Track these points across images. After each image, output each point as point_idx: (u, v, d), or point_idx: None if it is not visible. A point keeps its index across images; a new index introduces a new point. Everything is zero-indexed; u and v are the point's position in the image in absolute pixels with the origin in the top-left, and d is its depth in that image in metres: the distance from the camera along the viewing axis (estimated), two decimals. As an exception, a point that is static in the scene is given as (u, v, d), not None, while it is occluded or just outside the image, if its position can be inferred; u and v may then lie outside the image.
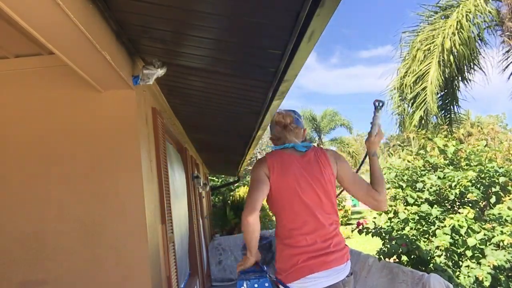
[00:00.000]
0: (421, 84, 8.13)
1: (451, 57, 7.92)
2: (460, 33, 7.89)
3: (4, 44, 2.18)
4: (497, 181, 5.04)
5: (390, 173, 6.07)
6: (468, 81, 8.51)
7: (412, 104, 8.39)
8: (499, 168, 5.12)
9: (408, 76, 8.60)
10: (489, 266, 4.35)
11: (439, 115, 8.29)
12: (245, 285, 1.76)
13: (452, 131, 8.17)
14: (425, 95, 7.98)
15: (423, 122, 8.25)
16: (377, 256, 4.54)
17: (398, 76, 9.13)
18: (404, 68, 8.91)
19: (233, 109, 3.65)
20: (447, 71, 8.12)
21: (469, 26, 7.91)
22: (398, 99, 9.19)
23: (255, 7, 1.68)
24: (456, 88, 8.56)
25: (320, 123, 28.25)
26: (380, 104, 1.93)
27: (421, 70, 8.18)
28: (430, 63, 8.08)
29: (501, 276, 4.52)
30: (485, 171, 5.07)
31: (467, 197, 4.94)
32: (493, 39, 8.57)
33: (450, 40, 7.82)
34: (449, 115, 8.62)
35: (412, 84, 8.40)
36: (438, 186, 5.16)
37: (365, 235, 5.23)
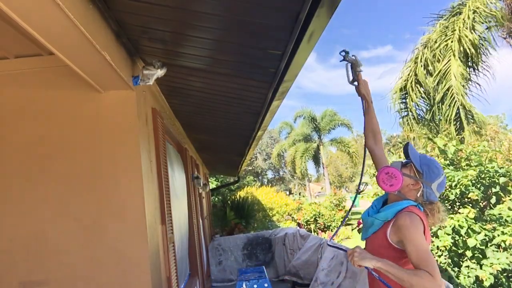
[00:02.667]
0: (445, 85, 8.12)
1: (473, 50, 7.88)
2: (474, 26, 7.89)
3: (4, 45, 2.19)
4: (497, 181, 5.04)
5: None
6: (472, 81, 8.54)
7: (441, 106, 8.36)
8: (500, 168, 5.12)
9: (410, 81, 8.62)
10: (491, 267, 4.35)
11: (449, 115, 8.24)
12: (244, 285, 1.74)
13: (460, 132, 8.16)
14: (452, 94, 7.97)
15: (458, 120, 8.19)
16: None
17: (401, 79, 9.18)
18: (410, 71, 8.95)
19: (233, 109, 3.65)
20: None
21: (479, 24, 7.93)
22: (400, 100, 9.23)
23: (255, 8, 1.68)
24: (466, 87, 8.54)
25: (320, 123, 28.25)
26: (345, 53, 1.95)
27: (440, 70, 8.17)
28: (449, 60, 8.07)
29: (501, 277, 4.52)
30: (485, 171, 5.07)
31: (468, 196, 4.94)
32: (494, 39, 8.59)
33: (469, 29, 7.78)
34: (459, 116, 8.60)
35: (435, 86, 8.38)
36: None
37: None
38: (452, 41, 8.13)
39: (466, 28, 7.94)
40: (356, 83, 2.00)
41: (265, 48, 2.12)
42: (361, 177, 2.03)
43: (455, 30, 8.18)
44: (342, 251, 1.62)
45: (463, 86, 7.99)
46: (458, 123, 8.21)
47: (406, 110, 9.28)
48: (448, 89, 8.06)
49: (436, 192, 1.68)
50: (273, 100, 2.84)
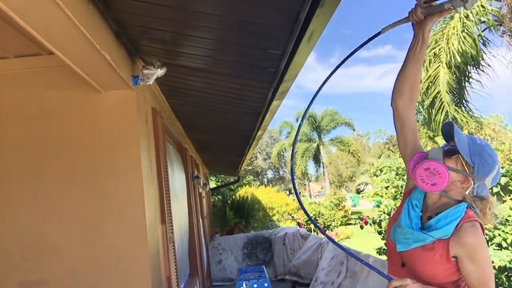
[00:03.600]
0: (434, 89, 8.25)
1: (458, 58, 8.01)
2: (465, 33, 7.98)
3: (4, 44, 2.18)
4: (498, 181, 5.04)
5: (390, 171, 6.09)
6: (472, 82, 8.63)
7: (431, 110, 8.51)
8: (500, 168, 5.12)
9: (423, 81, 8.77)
10: (493, 267, 4.37)
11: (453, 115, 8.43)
12: (244, 285, 1.70)
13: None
14: (441, 99, 8.11)
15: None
16: (377, 253, 4.56)
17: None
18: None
19: (233, 109, 3.65)
20: (456, 72, 8.25)
21: (471, 27, 8.00)
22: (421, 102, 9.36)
23: (255, 8, 1.68)
24: (464, 88, 8.67)
25: (320, 123, 28.26)
26: None
27: (430, 75, 8.31)
28: (438, 66, 8.20)
29: (502, 276, 4.53)
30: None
31: None
32: (493, 38, 8.63)
33: (458, 39, 7.90)
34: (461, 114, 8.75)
35: (425, 90, 8.54)
36: None
37: (372, 223, 5.39)
38: (440, 49, 8.24)
39: (457, 35, 8.01)
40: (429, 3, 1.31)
41: (265, 48, 2.11)
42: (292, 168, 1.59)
43: (443, 37, 8.28)
44: (383, 276, 1.31)
45: (448, 93, 8.15)
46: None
47: (429, 112, 9.36)
48: (437, 94, 8.23)
49: (488, 185, 1.35)
50: (273, 100, 2.84)
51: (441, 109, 8.22)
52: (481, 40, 8.42)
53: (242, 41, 2.15)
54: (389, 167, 6.43)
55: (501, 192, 5.06)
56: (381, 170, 6.62)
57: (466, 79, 8.61)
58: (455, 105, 8.82)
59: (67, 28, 1.47)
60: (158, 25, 2.00)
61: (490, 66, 8.46)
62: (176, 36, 2.16)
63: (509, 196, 5.03)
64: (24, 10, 1.33)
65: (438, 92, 8.25)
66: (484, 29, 8.47)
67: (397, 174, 6.05)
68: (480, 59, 8.39)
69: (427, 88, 8.51)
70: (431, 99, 8.42)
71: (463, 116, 8.49)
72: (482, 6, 8.08)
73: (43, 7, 1.32)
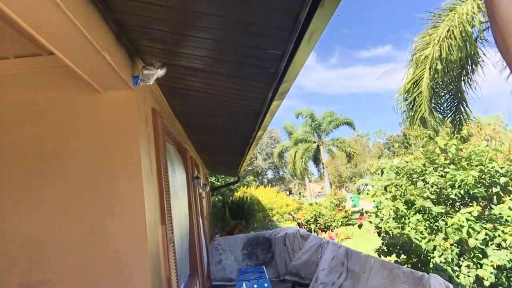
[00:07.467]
0: (417, 89, 8.41)
1: (439, 65, 8.20)
2: (452, 40, 8.10)
3: (4, 45, 2.19)
4: (497, 181, 5.04)
5: (390, 172, 6.10)
6: (469, 84, 8.71)
7: (413, 107, 8.69)
8: (500, 168, 5.11)
9: (408, 82, 8.92)
10: (492, 265, 4.38)
11: (447, 116, 8.59)
12: (244, 285, 1.71)
13: (459, 131, 8.37)
14: (420, 99, 8.28)
15: (424, 122, 8.57)
16: (376, 254, 4.57)
17: (406, 80, 9.38)
18: (410, 74, 9.20)
19: (233, 109, 3.65)
20: (448, 75, 8.37)
21: (461, 34, 8.09)
22: (404, 101, 9.45)
23: (255, 8, 1.68)
24: (459, 90, 8.78)
25: (321, 123, 28.28)
26: None
27: (416, 75, 8.46)
28: (423, 69, 8.36)
29: (501, 276, 4.53)
30: (485, 171, 5.08)
31: (475, 194, 4.97)
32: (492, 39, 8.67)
33: (440, 47, 8.10)
34: (459, 116, 8.85)
35: (411, 89, 8.72)
36: (439, 184, 5.21)
37: (370, 222, 5.49)
38: (427, 54, 8.36)
39: (443, 41, 8.12)
40: None
41: (265, 48, 2.12)
42: None
43: (431, 42, 8.40)
44: None
45: (427, 97, 8.34)
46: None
47: (411, 110, 9.44)
48: (418, 95, 8.40)
49: None
50: (273, 100, 2.84)
51: (420, 108, 8.44)
52: (480, 42, 8.47)
53: (242, 41, 2.15)
54: (390, 168, 6.44)
55: (500, 192, 5.05)
56: (382, 172, 6.63)
57: (456, 81, 8.73)
58: (453, 106, 8.97)
59: (68, 28, 1.47)
60: (158, 26, 2.00)
61: (486, 66, 8.54)
62: (176, 36, 2.16)
63: (509, 196, 5.03)
64: (24, 11, 1.33)
65: (420, 93, 8.44)
66: (484, 29, 8.49)
67: (397, 174, 6.05)
68: (477, 60, 8.46)
69: (414, 85, 8.67)
70: (413, 99, 8.64)
71: (436, 118, 8.67)
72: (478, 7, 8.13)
73: (44, 8, 1.32)
